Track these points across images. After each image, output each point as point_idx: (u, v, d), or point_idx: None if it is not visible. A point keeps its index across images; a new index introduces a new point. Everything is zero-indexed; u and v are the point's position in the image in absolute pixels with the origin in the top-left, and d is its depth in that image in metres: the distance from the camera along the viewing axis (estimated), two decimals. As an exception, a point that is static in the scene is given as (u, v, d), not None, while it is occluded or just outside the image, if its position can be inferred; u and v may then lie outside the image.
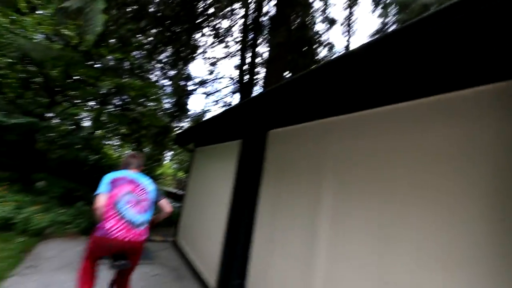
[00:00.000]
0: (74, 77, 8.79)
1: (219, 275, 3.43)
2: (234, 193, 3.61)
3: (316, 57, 11.87)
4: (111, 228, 2.13)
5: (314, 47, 11.96)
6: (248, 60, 14.02)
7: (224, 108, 16.50)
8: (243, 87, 13.78)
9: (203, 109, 15.58)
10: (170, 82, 14.62)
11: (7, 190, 5.82)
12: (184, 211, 5.64)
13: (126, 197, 2.26)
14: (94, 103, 13.66)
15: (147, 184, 2.50)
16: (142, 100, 18.11)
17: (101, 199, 2.23)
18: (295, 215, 2.48)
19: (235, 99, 14.21)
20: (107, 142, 21.07)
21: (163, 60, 14.28)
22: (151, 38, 9.84)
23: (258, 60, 14.02)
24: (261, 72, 15.82)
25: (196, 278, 4.10)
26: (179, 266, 4.56)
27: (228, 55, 14.46)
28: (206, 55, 14.31)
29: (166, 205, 2.58)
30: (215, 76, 19.52)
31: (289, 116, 2.94)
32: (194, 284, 3.95)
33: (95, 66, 9.62)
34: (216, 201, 4.17)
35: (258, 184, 3.28)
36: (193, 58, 15.31)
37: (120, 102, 17.23)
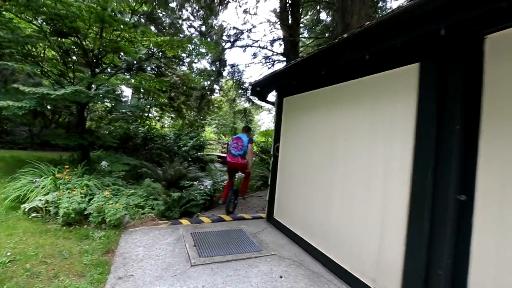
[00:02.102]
0: (110, 39, 7.40)
1: (406, 277, 2.13)
2: (421, 153, 2.11)
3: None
4: (228, 158, 4.98)
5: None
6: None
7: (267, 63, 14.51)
8: (289, 29, 11.52)
9: (246, 64, 13.77)
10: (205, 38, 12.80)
11: (70, 174, 4.97)
12: (279, 182, 4.35)
13: (233, 144, 4.95)
14: (131, 71, 12.52)
15: (243, 138, 4.91)
16: (179, 61, 16.65)
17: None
18: None
19: (276, 49, 12.05)
20: (149, 114, 20.57)
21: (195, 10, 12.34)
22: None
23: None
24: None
25: (342, 277, 2.88)
26: (299, 256, 3.38)
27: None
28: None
29: (250, 151, 4.98)
30: (251, 25, 17.15)
31: None
32: None
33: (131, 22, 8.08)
34: (360, 168, 2.72)
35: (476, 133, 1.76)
36: (226, 6, 13.12)
37: (156, 65, 15.99)
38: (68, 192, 4.13)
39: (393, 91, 2.39)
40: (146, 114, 20.24)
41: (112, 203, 3.94)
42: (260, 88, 4.51)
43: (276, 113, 4.58)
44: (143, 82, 10.60)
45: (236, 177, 6.90)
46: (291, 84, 3.84)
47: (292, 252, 3.49)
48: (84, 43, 7.51)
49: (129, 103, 14.60)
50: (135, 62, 11.81)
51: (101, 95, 5.84)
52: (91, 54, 7.65)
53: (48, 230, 3.46)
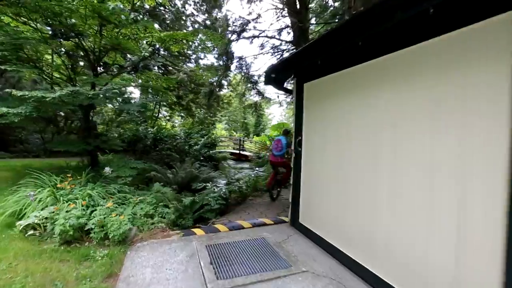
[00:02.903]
0: (110, 36, 6.91)
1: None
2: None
3: None
4: (271, 158, 5.72)
5: None
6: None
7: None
8: (297, 15, 10.72)
9: (254, 56, 13.06)
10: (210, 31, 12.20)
11: (73, 183, 4.54)
12: (304, 182, 3.73)
13: (274, 146, 5.61)
14: (136, 70, 12.10)
15: (282, 141, 5.43)
16: (185, 58, 16.13)
17: None
18: None
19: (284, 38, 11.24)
20: (159, 114, 20.28)
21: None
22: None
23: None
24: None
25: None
26: (336, 272, 2.76)
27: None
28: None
29: (290, 151, 4.98)
30: (257, 14, 16.37)
31: None
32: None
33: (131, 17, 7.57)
34: (417, 163, 2.06)
35: None
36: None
37: (162, 63, 15.53)
38: (68, 205, 3.67)
39: (472, 56, 1.70)
40: (156, 115, 19.99)
41: (115, 216, 3.44)
42: (276, 74, 3.87)
43: (295, 103, 3.94)
44: (149, 81, 10.15)
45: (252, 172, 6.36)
46: (314, 65, 3.18)
47: (326, 266, 2.88)
48: (84, 43, 7.08)
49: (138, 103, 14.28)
50: (140, 60, 11.35)
51: (101, 95, 5.35)
52: (91, 54, 7.21)
53: (44, 251, 3.00)
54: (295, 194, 3.92)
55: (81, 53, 7.39)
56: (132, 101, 8.60)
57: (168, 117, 21.80)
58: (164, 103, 21.00)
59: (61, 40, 7.32)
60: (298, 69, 3.62)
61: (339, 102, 3.01)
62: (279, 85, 4.06)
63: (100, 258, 2.97)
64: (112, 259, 2.96)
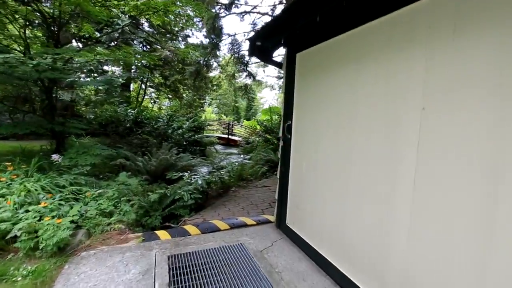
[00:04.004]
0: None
1: None
2: None
3: None
4: None
5: None
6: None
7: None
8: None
9: (245, 33, 11.92)
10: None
11: (15, 173, 3.69)
12: (294, 176, 3.00)
13: None
14: (113, 44, 10.90)
15: None
16: (172, 36, 14.79)
17: None
18: None
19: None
20: (144, 95, 19.05)
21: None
22: None
23: None
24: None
25: None
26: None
27: None
28: None
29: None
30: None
31: None
32: None
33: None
34: (467, 157, 1.34)
35: None
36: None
37: (143, 39, 14.23)
38: (-4, 202, 2.86)
39: None
40: (141, 96, 18.76)
41: (49, 219, 2.66)
42: (262, 42, 3.03)
43: (285, 79, 3.14)
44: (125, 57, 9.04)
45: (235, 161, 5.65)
46: (311, 25, 2.37)
47: (320, 288, 2.21)
48: (42, 8, 5.97)
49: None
50: (111, 32, 10.13)
51: (46, 65, 4.38)
52: (52, 21, 6.10)
53: None
54: (282, 190, 3.21)
55: (39, 20, 6.26)
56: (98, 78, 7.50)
57: (154, 99, 20.61)
58: (150, 84, 19.75)
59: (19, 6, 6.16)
60: (290, 33, 2.78)
61: (343, 75, 2.23)
62: (265, 57, 3.23)
63: (22, 277, 2.22)
64: (39, 278, 2.22)
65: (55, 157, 3.98)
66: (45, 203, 2.88)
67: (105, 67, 13.52)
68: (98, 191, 3.80)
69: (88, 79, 6.55)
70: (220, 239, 3.03)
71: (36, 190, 3.24)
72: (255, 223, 3.47)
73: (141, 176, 4.90)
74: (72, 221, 2.86)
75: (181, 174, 4.88)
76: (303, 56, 2.81)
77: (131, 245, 2.86)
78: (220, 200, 4.74)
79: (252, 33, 13.27)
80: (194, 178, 4.35)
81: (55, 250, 2.49)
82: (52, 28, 6.09)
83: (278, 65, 3.42)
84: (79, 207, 3.18)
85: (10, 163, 3.78)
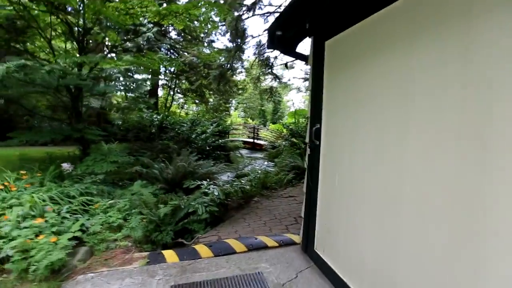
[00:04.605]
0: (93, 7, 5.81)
1: None
2: None
3: None
4: None
5: None
6: None
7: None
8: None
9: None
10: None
11: (30, 181, 3.58)
12: (323, 191, 2.43)
13: None
14: (139, 50, 11.09)
15: None
16: (198, 41, 14.88)
17: None
18: None
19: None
20: (172, 101, 19.47)
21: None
22: None
23: None
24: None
25: None
26: None
27: None
28: None
29: None
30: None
31: None
32: None
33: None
34: None
35: None
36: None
37: (169, 46, 14.46)
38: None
39: None
40: (169, 101, 19.18)
41: (44, 237, 2.38)
42: (283, 31, 2.52)
43: (312, 73, 2.60)
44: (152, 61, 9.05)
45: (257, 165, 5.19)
46: (342, 3, 1.82)
47: None
48: (67, 18, 6.07)
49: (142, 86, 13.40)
50: (144, 43, 10.31)
51: (60, 70, 4.28)
52: (76, 29, 6.18)
53: None
54: (310, 208, 2.64)
55: (63, 29, 6.35)
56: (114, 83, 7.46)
57: (182, 105, 20.99)
58: (178, 90, 20.14)
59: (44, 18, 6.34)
60: (315, 15, 2.24)
61: (390, 61, 1.64)
62: (288, 49, 2.71)
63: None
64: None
65: (65, 166, 3.83)
66: (43, 218, 2.62)
67: (136, 76, 13.92)
68: (109, 202, 3.55)
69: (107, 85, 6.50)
70: (235, 265, 2.54)
71: (44, 201, 3.04)
72: (277, 244, 2.93)
73: (158, 185, 4.62)
74: (73, 237, 2.58)
75: (199, 182, 4.51)
76: (333, 44, 2.24)
77: (134, 268, 2.49)
78: (240, 212, 4.28)
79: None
80: (211, 188, 3.93)
81: (46, 274, 2.19)
82: (78, 36, 6.16)
83: (303, 58, 2.88)
84: (84, 220, 2.92)
85: (25, 172, 3.68)
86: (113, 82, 8.08)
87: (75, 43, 6.24)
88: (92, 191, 3.63)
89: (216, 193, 3.73)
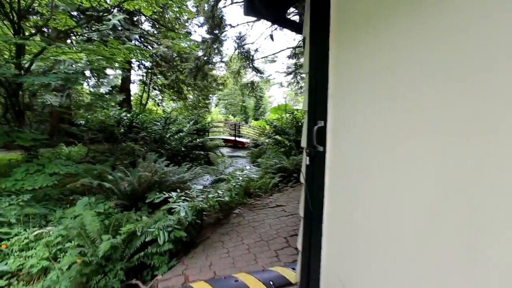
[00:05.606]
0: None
1: None
2: None
3: None
4: None
5: None
6: None
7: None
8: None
9: (247, 22, 10.52)
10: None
11: None
12: (334, 218, 1.63)
13: None
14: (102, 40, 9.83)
15: None
16: (166, 29, 13.60)
17: None
18: None
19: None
20: (148, 98, 18.08)
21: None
22: None
23: None
24: None
25: None
26: None
27: None
28: None
29: None
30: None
31: None
32: None
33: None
34: None
35: None
36: None
37: (140, 35, 13.13)
38: None
39: None
40: (145, 98, 17.79)
41: None
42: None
43: (309, 44, 1.77)
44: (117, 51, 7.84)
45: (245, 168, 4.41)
46: None
47: None
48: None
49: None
50: (110, 32, 9.08)
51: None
52: (8, 5, 4.94)
53: None
54: (309, 241, 1.85)
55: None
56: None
57: (158, 102, 19.61)
58: (154, 86, 18.73)
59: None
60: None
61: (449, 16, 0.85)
62: (274, 12, 1.87)
63: None
64: None
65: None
66: None
67: (108, 71, 12.49)
68: (35, 233, 2.57)
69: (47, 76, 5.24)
70: (204, 333, 1.70)
71: None
72: (260, 284, 2.12)
73: (113, 200, 3.65)
74: None
75: (166, 195, 3.60)
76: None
77: None
78: (217, 232, 3.43)
79: (259, 23, 11.85)
80: (178, 206, 3.04)
81: None
82: (11, 15, 4.93)
83: (295, 26, 2.04)
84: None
85: None
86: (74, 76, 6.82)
87: (8, 24, 5.00)
88: (9, 219, 2.61)
89: (183, 214, 2.84)
